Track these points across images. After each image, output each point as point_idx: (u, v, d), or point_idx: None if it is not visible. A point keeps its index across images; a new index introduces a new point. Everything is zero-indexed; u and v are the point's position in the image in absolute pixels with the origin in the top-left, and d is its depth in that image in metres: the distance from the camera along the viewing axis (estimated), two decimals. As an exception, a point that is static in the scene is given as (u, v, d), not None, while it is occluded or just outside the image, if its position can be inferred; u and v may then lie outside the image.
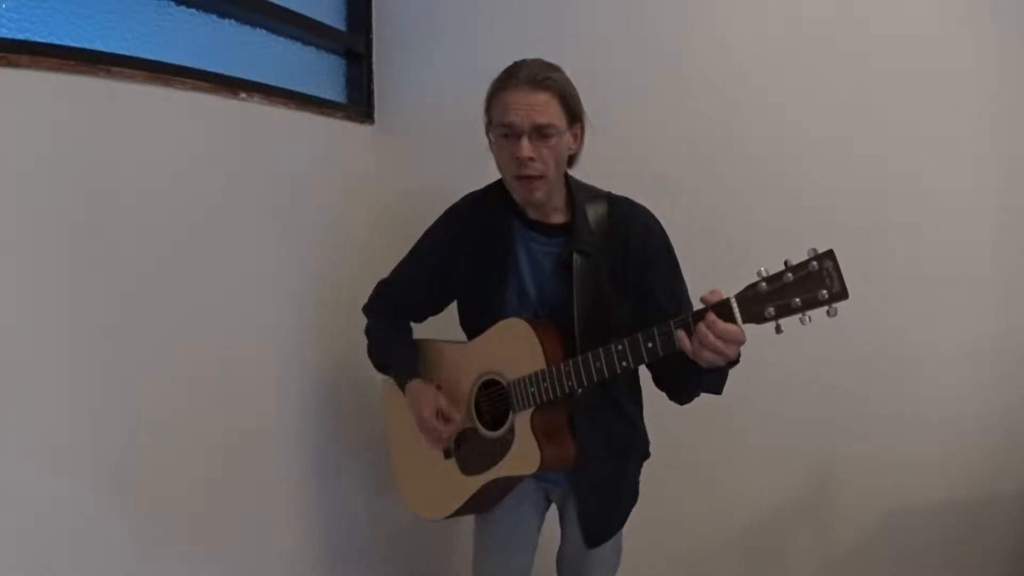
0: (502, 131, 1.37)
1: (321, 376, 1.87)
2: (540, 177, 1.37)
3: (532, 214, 1.47)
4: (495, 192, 1.53)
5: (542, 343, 1.37)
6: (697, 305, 1.19)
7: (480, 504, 1.55)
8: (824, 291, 1.05)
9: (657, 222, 1.46)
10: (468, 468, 1.51)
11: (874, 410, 1.94)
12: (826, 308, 1.05)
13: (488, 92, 1.40)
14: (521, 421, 1.41)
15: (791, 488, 2.01)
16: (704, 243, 1.77)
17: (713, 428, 1.94)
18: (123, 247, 1.35)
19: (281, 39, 1.89)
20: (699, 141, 1.96)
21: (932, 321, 1.90)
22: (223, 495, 1.57)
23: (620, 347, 1.26)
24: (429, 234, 1.61)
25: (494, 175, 1.48)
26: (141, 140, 1.39)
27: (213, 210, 1.56)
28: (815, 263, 1.05)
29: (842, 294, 1.04)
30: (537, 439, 1.39)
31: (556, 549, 1.63)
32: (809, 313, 1.07)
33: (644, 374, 1.47)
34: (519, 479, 1.49)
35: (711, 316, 1.14)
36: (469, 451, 1.52)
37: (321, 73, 2.06)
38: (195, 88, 1.52)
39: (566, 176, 1.47)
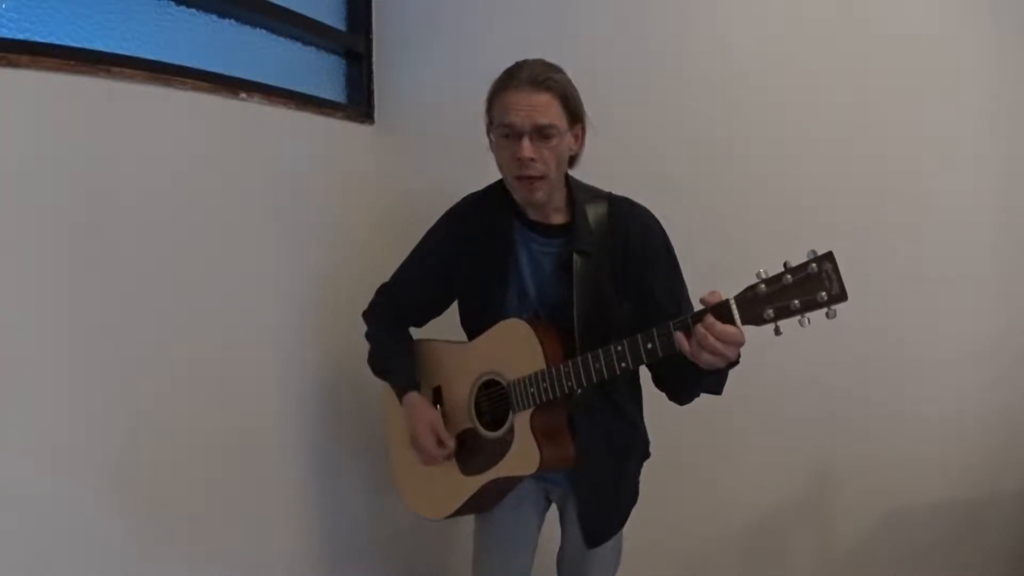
0: (503, 131, 1.37)
1: (321, 376, 1.87)
2: (541, 177, 1.37)
3: (532, 215, 1.47)
4: (495, 193, 1.53)
5: (542, 343, 1.37)
6: (697, 306, 1.20)
7: (480, 504, 1.55)
8: (823, 293, 1.05)
9: (657, 222, 1.46)
10: (468, 468, 1.52)
11: (874, 410, 1.94)
12: (825, 310, 1.05)
13: (489, 92, 1.40)
14: (521, 421, 1.41)
15: (791, 488, 2.01)
16: (704, 243, 1.77)
17: (713, 428, 1.94)
18: (123, 247, 1.35)
19: (281, 39, 1.89)
20: (699, 141, 1.95)
21: (932, 321, 1.90)
22: (223, 495, 1.57)
23: (619, 348, 1.26)
24: (430, 235, 1.61)
25: (494, 175, 1.48)
26: (141, 140, 1.39)
27: (213, 210, 1.56)
28: (814, 265, 1.05)
29: (841, 296, 1.04)
30: (537, 439, 1.39)
31: (556, 549, 1.63)
32: (808, 315, 1.07)
33: (644, 374, 1.48)
34: (519, 479, 1.49)
35: (709, 318, 1.14)
36: (469, 451, 1.52)
37: (321, 73, 2.06)
38: (195, 88, 1.52)
39: (566, 176, 1.47)
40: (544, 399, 1.36)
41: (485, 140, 1.43)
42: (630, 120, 1.92)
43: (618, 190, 1.49)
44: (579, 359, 1.31)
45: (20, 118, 1.18)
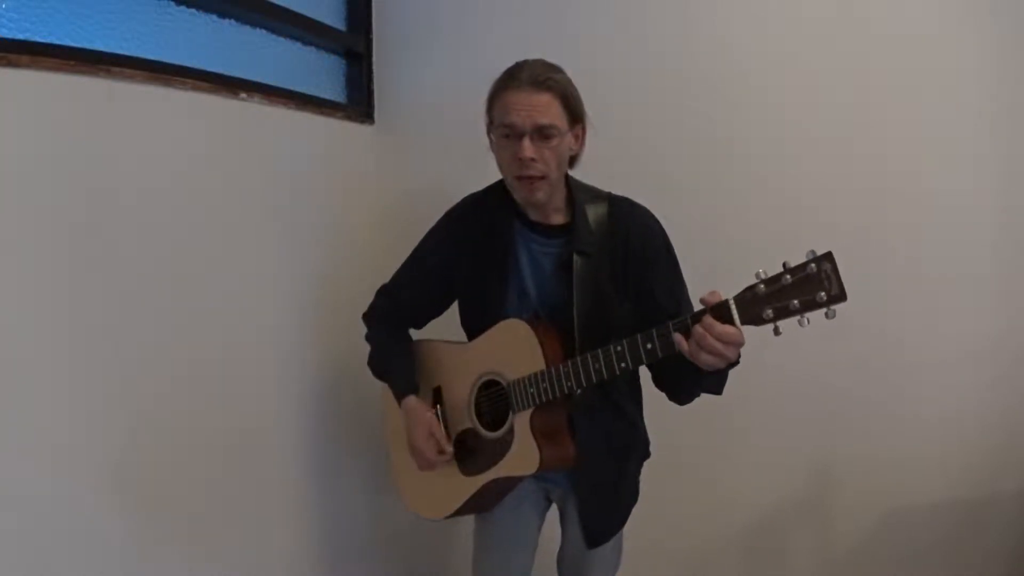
0: (504, 131, 1.37)
1: (321, 376, 1.87)
2: (541, 178, 1.37)
3: (533, 215, 1.47)
4: (495, 193, 1.53)
5: (542, 344, 1.37)
6: (697, 306, 1.20)
7: (480, 504, 1.55)
8: (822, 293, 1.05)
9: (657, 222, 1.46)
10: (468, 468, 1.52)
11: (874, 410, 1.94)
12: (824, 310, 1.06)
13: (489, 92, 1.40)
14: (521, 421, 1.41)
15: (791, 488, 2.01)
16: (704, 243, 1.77)
17: (713, 428, 1.94)
18: (123, 247, 1.35)
19: (281, 39, 1.89)
20: (699, 141, 1.95)
21: (932, 321, 1.90)
22: (223, 495, 1.57)
23: (619, 348, 1.26)
24: (429, 236, 1.61)
25: (494, 175, 1.48)
26: (141, 140, 1.39)
27: (213, 210, 1.56)
28: (813, 265, 1.05)
29: (840, 296, 1.04)
30: (536, 439, 1.39)
31: (556, 549, 1.63)
32: (807, 315, 1.07)
33: (644, 374, 1.48)
34: (519, 479, 1.49)
35: (708, 318, 1.14)
36: (469, 451, 1.52)
37: (321, 73, 2.06)
38: (195, 88, 1.52)
39: (566, 177, 1.47)
40: (544, 399, 1.37)
41: (485, 140, 1.43)
42: (630, 120, 1.92)
43: (618, 190, 1.49)
44: (579, 359, 1.31)
45: (20, 118, 1.18)
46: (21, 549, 1.17)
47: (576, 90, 1.39)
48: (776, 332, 1.10)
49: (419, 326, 1.68)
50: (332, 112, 1.99)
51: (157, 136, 1.43)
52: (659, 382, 1.44)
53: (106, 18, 1.40)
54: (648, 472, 1.58)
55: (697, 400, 1.40)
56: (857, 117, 1.88)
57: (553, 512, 1.64)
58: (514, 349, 1.40)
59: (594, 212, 1.44)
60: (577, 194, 1.46)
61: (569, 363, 1.33)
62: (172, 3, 1.56)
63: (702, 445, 1.99)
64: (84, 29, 1.35)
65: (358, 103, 2.14)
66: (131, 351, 1.36)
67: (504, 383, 1.43)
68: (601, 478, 1.49)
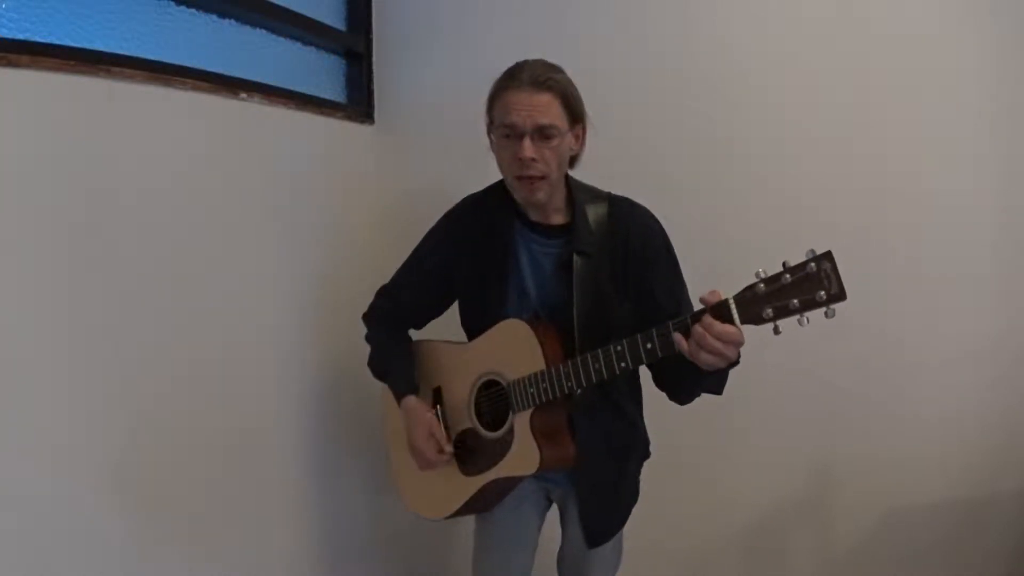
0: (504, 131, 1.37)
1: (321, 376, 1.87)
2: (542, 178, 1.38)
3: (533, 215, 1.47)
4: (495, 193, 1.53)
5: (542, 344, 1.37)
6: (697, 305, 1.20)
7: (480, 504, 1.55)
8: (822, 292, 1.05)
9: (657, 222, 1.46)
10: (468, 469, 1.52)
11: (874, 410, 1.94)
12: (824, 309, 1.06)
13: (490, 93, 1.40)
14: (521, 422, 1.41)
15: (791, 488, 2.01)
16: (704, 243, 1.77)
17: (713, 428, 1.94)
18: (123, 247, 1.35)
19: (281, 39, 1.89)
20: (699, 141, 1.95)
21: (932, 321, 1.90)
22: (223, 495, 1.57)
23: (619, 348, 1.26)
24: (429, 237, 1.61)
25: (494, 175, 1.48)
26: (141, 140, 1.39)
27: (213, 210, 1.56)
28: (813, 264, 1.05)
29: (840, 296, 1.04)
30: (536, 439, 1.39)
31: (556, 549, 1.63)
32: (807, 314, 1.07)
33: (644, 374, 1.48)
34: (519, 479, 1.49)
35: (708, 318, 1.14)
36: (469, 452, 1.52)
37: (321, 73, 2.06)
38: (195, 88, 1.52)
39: (566, 177, 1.47)
40: (544, 399, 1.36)
41: (485, 140, 1.43)
42: (630, 120, 1.92)
43: (618, 190, 1.49)
44: (579, 359, 1.31)
45: (20, 118, 1.18)
46: (21, 549, 1.17)
47: (576, 90, 1.39)
48: (776, 331, 1.10)
49: (419, 326, 1.68)
50: (332, 112, 1.99)
51: (157, 136, 1.43)
52: (659, 382, 1.44)
53: (106, 18, 1.40)
54: (648, 472, 1.58)
55: (697, 400, 1.40)
56: (857, 117, 1.88)
57: (553, 512, 1.64)
58: (514, 349, 1.40)
59: (594, 212, 1.44)
60: (577, 194, 1.46)
61: (569, 363, 1.33)
62: (172, 3, 1.56)
63: (702, 445, 1.99)
64: (84, 29, 1.35)
65: (358, 103, 2.14)
66: (131, 351, 1.36)
67: (504, 383, 1.43)
68: (601, 478, 1.49)
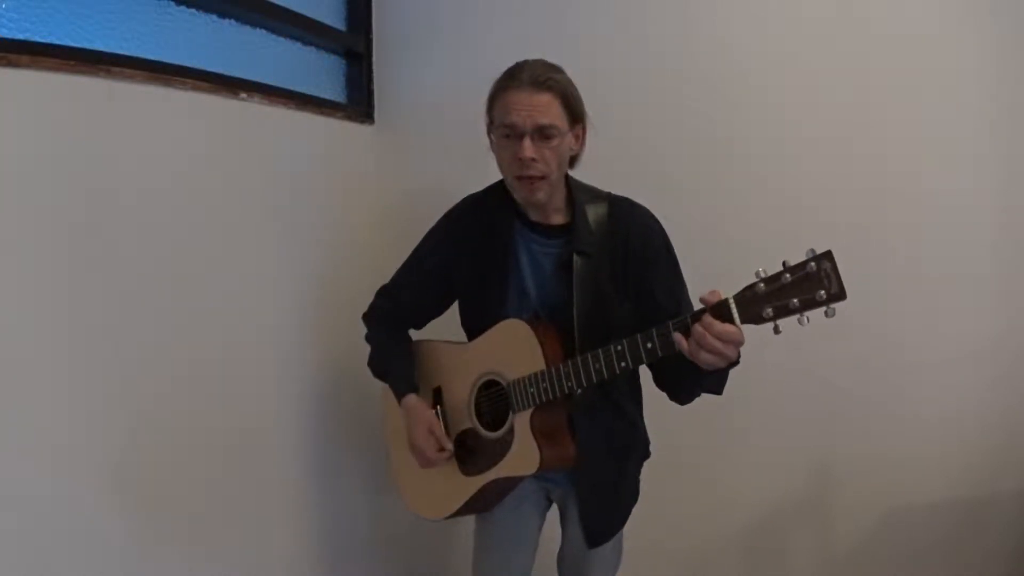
0: (504, 132, 1.37)
1: (321, 376, 1.87)
2: (542, 178, 1.38)
3: (533, 215, 1.47)
4: (495, 193, 1.53)
5: (542, 344, 1.37)
6: (697, 305, 1.20)
7: (480, 504, 1.55)
8: (822, 292, 1.05)
9: (657, 222, 1.46)
10: (468, 469, 1.52)
11: (874, 410, 1.94)
12: (824, 309, 1.06)
13: (490, 93, 1.40)
14: (521, 421, 1.41)
15: (791, 488, 2.01)
16: (704, 243, 1.77)
17: (713, 428, 1.94)
18: (123, 247, 1.35)
19: (281, 39, 1.89)
20: (699, 141, 1.95)
21: (932, 321, 1.90)
22: (223, 495, 1.57)
23: (619, 348, 1.26)
24: (429, 237, 1.61)
25: (494, 175, 1.48)
26: (141, 140, 1.39)
27: (213, 210, 1.56)
28: (813, 264, 1.05)
29: (840, 295, 1.04)
30: (536, 439, 1.39)
31: (556, 549, 1.63)
32: (807, 314, 1.07)
33: (644, 374, 1.48)
34: (519, 479, 1.49)
35: (708, 317, 1.14)
36: (469, 452, 1.52)
37: (321, 73, 2.06)
38: (195, 88, 1.52)
39: (566, 177, 1.47)
40: (544, 399, 1.36)
41: (485, 140, 1.43)
42: (630, 120, 1.92)
43: (618, 190, 1.49)
44: (579, 359, 1.31)
45: (20, 118, 1.18)
46: (21, 549, 1.17)
47: (576, 90, 1.39)
48: (776, 331, 1.10)
49: (419, 326, 1.68)
50: (332, 112, 1.99)
51: (157, 136, 1.43)
52: (659, 382, 1.44)
53: (106, 18, 1.40)
54: (648, 472, 1.58)
55: (697, 400, 1.40)
56: (857, 117, 1.88)
57: (553, 512, 1.64)
58: (514, 349, 1.40)
59: (594, 212, 1.44)
60: (577, 194, 1.46)
61: (569, 363, 1.33)
62: (172, 3, 1.56)
63: (702, 445, 1.99)
64: (84, 29, 1.35)
65: (358, 103, 2.14)
66: (131, 351, 1.36)
67: (504, 383, 1.43)
68: (601, 478, 1.49)
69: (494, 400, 1.47)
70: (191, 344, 1.49)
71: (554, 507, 1.64)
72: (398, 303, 1.62)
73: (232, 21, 1.72)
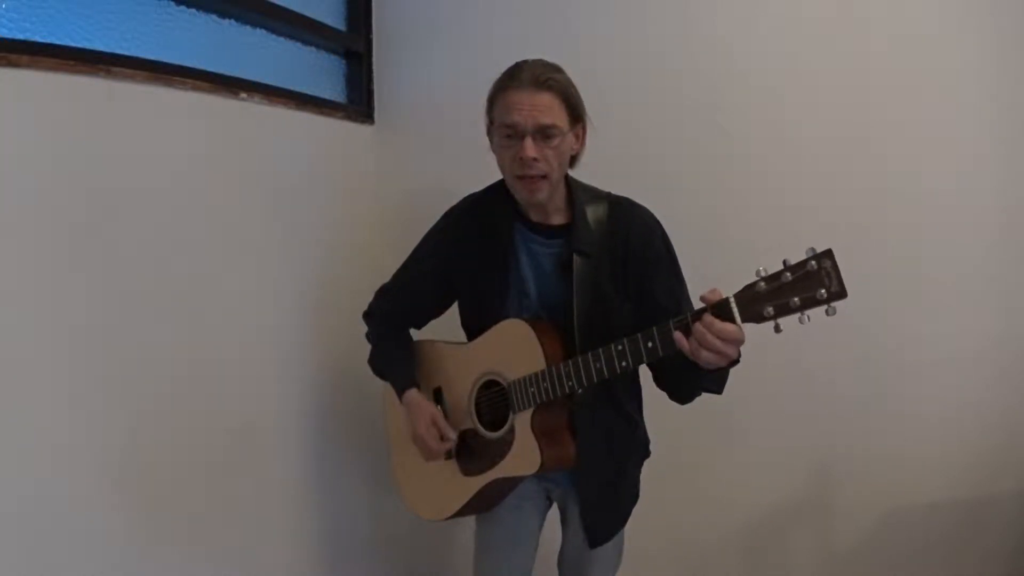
0: (505, 131, 1.36)
1: (321, 376, 1.87)
2: (543, 177, 1.37)
3: (533, 215, 1.47)
4: (495, 193, 1.53)
5: (542, 344, 1.37)
6: (697, 304, 1.20)
7: (481, 504, 1.55)
8: (823, 290, 1.05)
9: (657, 222, 1.46)
10: (468, 469, 1.52)
11: (874, 410, 1.94)
12: (825, 307, 1.06)
13: (490, 93, 1.40)
14: (521, 421, 1.41)
15: (791, 488, 2.01)
16: (704, 243, 1.77)
17: (713, 428, 1.94)
18: (123, 247, 1.35)
19: (281, 39, 1.89)
20: (699, 141, 1.95)
21: (932, 321, 1.90)
22: (223, 495, 1.57)
23: (620, 347, 1.26)
24: (429, 237, 1.61)
25: (494, 175, 1.48)
26: (141, 140, 1.39)
27: (213, 210, 1.56)
28: (814, 262, 1.05)
29: (841, 293, 1.04)
30: (537, 439, 1.39)
31: (556, 549, 1.63)
32: (808, 312, 1.07)
33: (644, 374, 1.47)
34: (520, 479, 1.49)
35: (709, 316, 1.14)
36: (469, 452, 1.52)
37: (321, 73, 2.06)
38: (195, 88, 1.52)
39: (567, 177, 1.47)
40: (544, 399, 1.36)
41: (485, 140, 1.43)
42: (630, 120, 1.92)
43: (618, 190, 1.49)
44: (579, 359, 1.31)
45: (20, 118, 1.18)
46: (21, 549, 1.16)
47: (576, 90, 1.39)
48: (777, 329, 1.10)
49: (419, 326, 1.68)
50: (332, 112, 1.99)
51: (157, 136, 1.43)
52: (660, 381, 1.44)
53: (106, 18, 1.40)
54: (648, 472, 1.58)
55: (697, 400, 1.40)
56: (857, 117, 1.88)
57: (554, 512, 1.64)
58: (514, 349, 1.40)
59: (594, 212, 1.44)
60: (577, 194, 1.46)
61: (570, 363, 1.33)
62: (172, 3, 1.56)
63: (702, 445, 1.99)
64: (84, 29, 1.35)
65: (358, 103, 2.14)
66: (131, 351, 1.36)
67: (504, 383, 1.43)
68: (602, 478, 1.49)
69: (494, 400, 1.47)
70: (191, 344, 1.49)
71: (554, 507, 1.63)
72: (398, 303, 1.62)
73: (232, 21, 1.72)
